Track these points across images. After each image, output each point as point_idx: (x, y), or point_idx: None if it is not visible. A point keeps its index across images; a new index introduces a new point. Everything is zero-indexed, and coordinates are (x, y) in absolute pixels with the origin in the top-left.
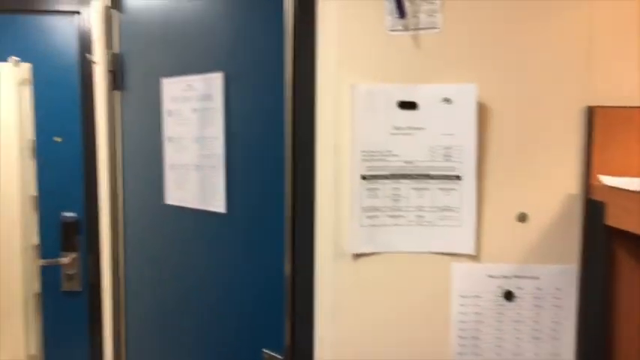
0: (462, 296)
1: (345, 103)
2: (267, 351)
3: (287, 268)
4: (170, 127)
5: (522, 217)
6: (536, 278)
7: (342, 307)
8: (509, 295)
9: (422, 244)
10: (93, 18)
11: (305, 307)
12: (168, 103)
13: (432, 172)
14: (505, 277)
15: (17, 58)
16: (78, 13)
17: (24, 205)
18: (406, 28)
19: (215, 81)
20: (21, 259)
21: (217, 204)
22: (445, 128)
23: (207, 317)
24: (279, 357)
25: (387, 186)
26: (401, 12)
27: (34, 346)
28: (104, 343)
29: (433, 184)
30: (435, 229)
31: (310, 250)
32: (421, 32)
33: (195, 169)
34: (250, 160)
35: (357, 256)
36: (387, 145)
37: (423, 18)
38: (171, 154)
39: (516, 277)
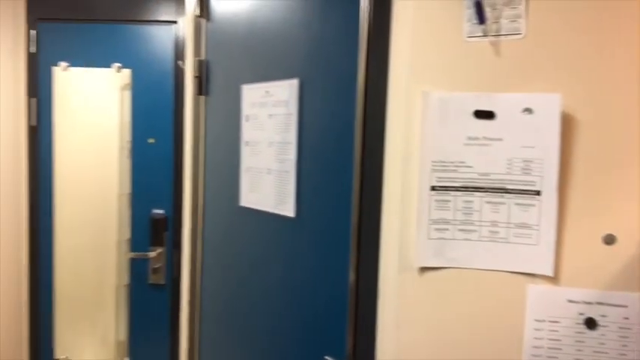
0: (538, 320)
1: (416, 111)
2: (328, 358)
3: (352, 276)
4: (247, 132)
5: (609, 240)
6: (623, 307)
7: (406, 320)
8: (591, 323)
9: (494, 262)
10: (187, 27)
11: (368, 317)
12: (246, 109)
13: (508, 186)
14: (587, 302)
15: (119, 65)
16: (175, 22)
17: (120, 202)
18: (485, 34)
19: (291, 87)
20: (115, 252)
21: (287, 208)
22: (525, 140)
23: (272, 319)
24: None
25: (459, 198)
26: (481, 18)
27: (123, 333)
28: (182, 335)
29: (509, 199)
30: (510, 247)
31: (375, 260)
32: (502, 38)
33: (268, 172)
34: (320, 166)
35: (424, 269)
36: (460, 156)
37: (505, 24)
38: (248, 158)
39: (599, 303)
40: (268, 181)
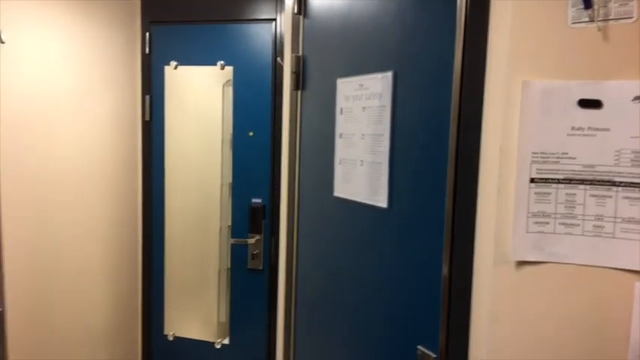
0: None
1: (515, 101)
2: (421, 348)
3: (445, 268)
4: (341, 124)
5: None
6: None
7: (501, 314)
8: None
9: (599, 258)
10: (286, 24)
11: (461, 309)
12: (341, 102)
13: (616, 179)
14: None
15: (223, 62)
16: (274, 20)
17: (222, 192)
18: (592, 20)
19: (385, 80)
20: (218, 238)
21: (380, 199)
22: (635, 130)
23: (365, 307)
24: (433, 355)
25: (561, 191)
26: (587, 2)
27: (224, 314)
28: (279, 319)
29: (617, 192)
30: (617, 243)
31: (469, 252)
32: (611, 23)
33: (361, 164)
34: (414, 157)
35: (521, 263)
36: (563, 147)
37: (614, 7)
38: (341, 150)
39: None
40: (361, 173)
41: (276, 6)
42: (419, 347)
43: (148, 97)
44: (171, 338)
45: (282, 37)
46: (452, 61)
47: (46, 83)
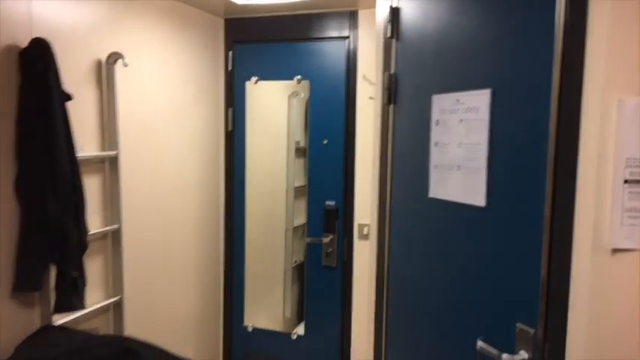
0: None
1: (611, 115)
2: (520, 325)
3: (544, 253)
4: (437, 134)
5: None
6: None
7: (598, 296)
8: None
9: None
10: (360, 42)
11: (561, 288)
12: (436, 114)
13: None
14: None
15: (299, 77)
16: (347, 38)
17: (288, 195)
18: None
19: (482, 96)
20: (284, 237)
21: (478, 198)
22: None
23: (462, 295)
24: (532, 330)
25: None
26: None
27: (290, 311)
28: (353, 313)
29: None
30: None
31: (568, 241)
32: None
33: (457, 169)
34: (511, 162)
35: (616, 250)
36: None
37: None
38: (437, 156)
39: None
40: (458, 176)
41: (350, 25)
42: (518, 324)
43: (230, 110)
44: (250, 329)
45: (355, 54)
46: (549, 79)
47: (153, 99)
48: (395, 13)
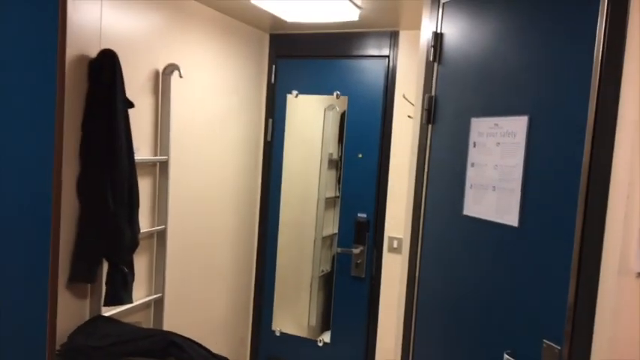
0: None
1: None
2: (547, 341)
3: (573, 276)
4: (474, 155)
5: None
6: None
7: (623, 314)
8: None
9: None
10: (399, 61)
11: (587, 308)
12: (474, 137)
13: None
14: None
15: (338, 92)
16: (387, 57)
17: (319, 206)
18: None
19: (520, 122)
20: (313, 246)
21: (511, 218)
22: None
23: (490, 311)
24: (557, 347)
25: None
26: None
27: (315, 319)
28: (379, 323)
29: None
30: None
31: (597, 263)
32: None
33: (492, 189)
34: (545, 186)
35: None
36: None
37: None
38: (473, 176)
39: None
40: (492, 196)
41: (390, 44)
42: (545, 341)
43: (270, 121)
44: (277, 333)
45: (394, 72)
46: (585, 110)
47: (201, 109)
48: (438, 38)
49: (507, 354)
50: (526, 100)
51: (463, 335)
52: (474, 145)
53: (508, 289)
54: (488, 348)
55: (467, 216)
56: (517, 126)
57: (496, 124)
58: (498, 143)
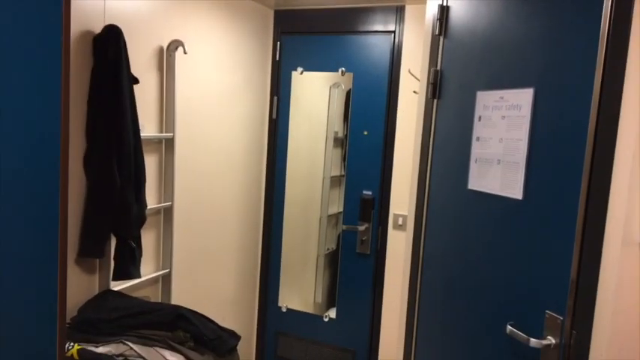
0: None
1: None
2: (549, 312)
3: (576, 246)
4: (479, 129)
5: None
6: None
7: (625, 287)
8: None
9: None
10: (405, 36)
11: (590, 278)
12: (479, 110)
13: None
14: None
15: (343, 69)
16: (393, 32)
17: (324, 184)
18: None
19: (525, 95)
20: (318, 225)
21: (515, 191)
22: None
23: (494, 279)
24: (560, 317)
25: None
26: None
27: (321, 296)
28: (383, 299)
29: None
30: None
31: (600, 235)
32: None
33: (497, 163)
34: (549, 158)
35: None
36: None
37: None
38: (477, 150)
39: None
40: (497, 170)
41: (396, 19)
42: (547, 312)
43: (275, 99)
44: (284, 309)
45: (400, 48)
46: (591, 81)
47: (205, 85)
48: (444, 11)
49: (510, 325)
50: (531, 72)
51: (467, 308)
52: (479, 119)
53: (512, 262)
54: (491, 320)
55: (471, 190)
56: (522, 98)
57: (501, 97)
58: (504, 116)
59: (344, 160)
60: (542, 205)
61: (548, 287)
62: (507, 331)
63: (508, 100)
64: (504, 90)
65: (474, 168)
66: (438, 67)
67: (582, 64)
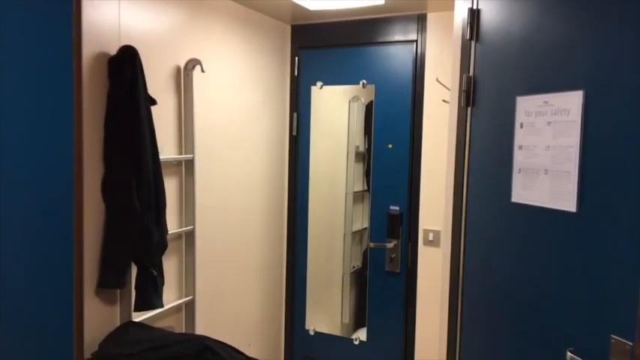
0: None
1: None
2: (615, 337)
3: None
4: (521, 137)
5: None
6: None
7: None
8: None
9: None
10: (428, 45)
11: None
12: (521, 117)
13: None
14: None
15: (364, 81)
16: (415, 41)
17: (347, 200)
18: None
19: (574, 98)
20: (343, 242)
21: (567, 203)
22: None
23: (550, 298)
24: (630, 343)
25: None
26: None
27: (348, 316)
28: (417, 319)
29: None
30: None
31: None
32: None
33: (545, 172)
34: (606, 166)
35: None
36: None
37: None
38: (521, 160)
39: None
40: (545, 180)
41: (418, 28)
42: (613, 336)
43: (295, 115)
44: (312, 332)
45: (423, 57)
46: None
47: (224, 104)
48: (475, 14)
49: (570, 351)
50: (580, 74)
51: (517, 331)
52: (521, 126)
53: (568, 281)
54: (546, 346)
55: (516, 203)
56: (571, 102)
57: (546, 102)
58: (549, 122)
59: (366, 175)
60: (601, 217)
61: (613, 308)
62: (567, 358)
63: (554, 104)
64: (548, 94)
65: (517, 179)
66: (471, 74)
67: (637, 61)
